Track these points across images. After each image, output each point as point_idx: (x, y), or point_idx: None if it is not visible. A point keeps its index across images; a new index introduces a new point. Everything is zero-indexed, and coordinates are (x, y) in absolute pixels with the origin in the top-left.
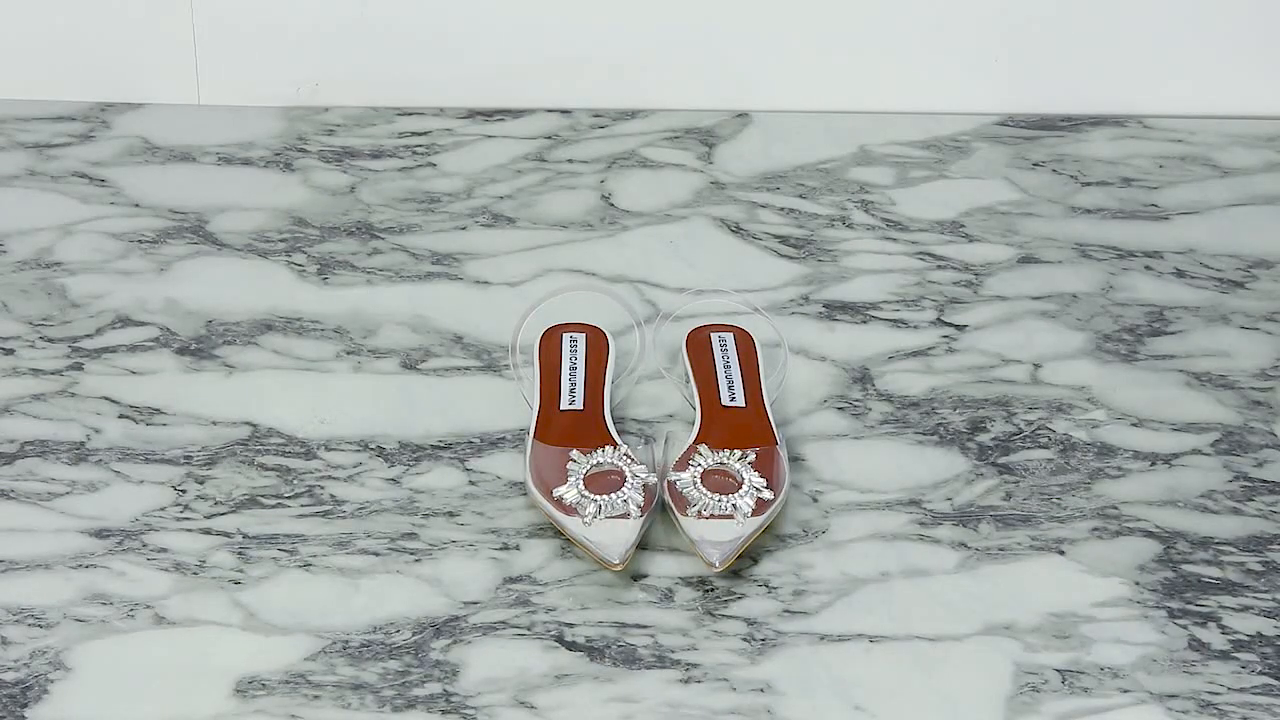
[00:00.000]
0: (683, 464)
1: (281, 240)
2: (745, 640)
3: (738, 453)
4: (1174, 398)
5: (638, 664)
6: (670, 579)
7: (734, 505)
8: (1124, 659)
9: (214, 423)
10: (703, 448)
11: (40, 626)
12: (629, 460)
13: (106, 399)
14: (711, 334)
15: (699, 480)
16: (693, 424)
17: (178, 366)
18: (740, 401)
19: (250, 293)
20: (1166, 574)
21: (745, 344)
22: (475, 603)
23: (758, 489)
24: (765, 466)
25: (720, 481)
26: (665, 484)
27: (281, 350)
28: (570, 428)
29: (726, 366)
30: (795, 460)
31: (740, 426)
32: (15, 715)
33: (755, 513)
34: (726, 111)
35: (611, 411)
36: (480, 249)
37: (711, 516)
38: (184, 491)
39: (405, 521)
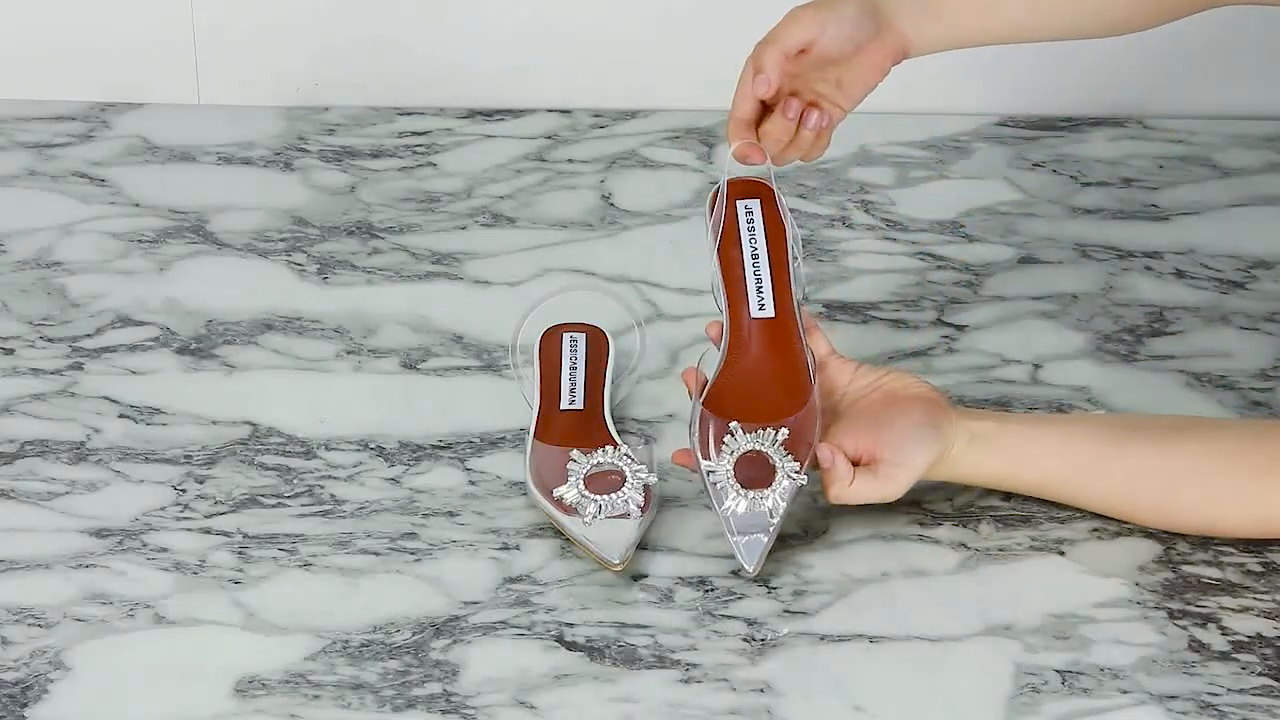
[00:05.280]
0: (716, 444)
1: (281, 240)
2: (745, 640)
3: (770, 433)
4: (1174, 398)
5: (638, 664)
6: (670, 579)
7: (767, 508)
8: (1124, 660)
9: (214, 422)
10: (736, 428)
11: (40, 626)
12: (629, 460)
13: (106, 399)
14: (739, 201)
15: (732, 473)
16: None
17: (178, 366)
18: (770, 311)
19: (250, 293)
20: (1166, 575)
21: (774, 220)
22: (475, 603)
23: (791, 474)
24: (798, 438)
25: (753, 467)
26: (700, 467)
27: (281, 350)
28: (570, 428)
29: (755, 258)
30: None
31: (772, 342)
32: (15, 715)
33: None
34: (726, 111)
35: (611, 411)
36: (480, 249)
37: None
38: (184, 491)
39: (405, 521)
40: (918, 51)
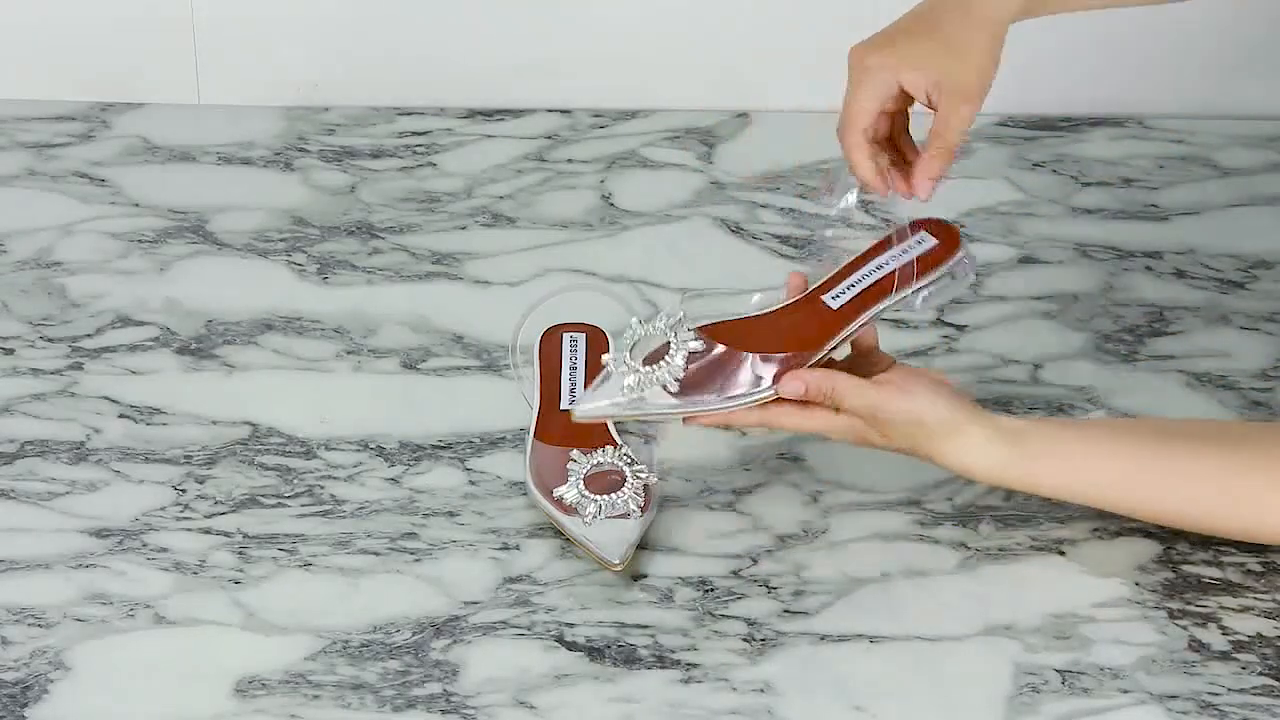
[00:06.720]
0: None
1: (281, 240)
2: (745, 640)
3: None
4: (1174, 398)
5: (638, 664)
6: (670, 579)
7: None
8: (1124, 659)
9: (214, 422)
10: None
11: (40, 626)
12: (629, 460)
13: (106, 399)
14: (924, 230)
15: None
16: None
17: (178, 366)
18: (837, 306)
19: (250, 293)
20: (1166, 574)
21: (929, 262)
22: (475, 603)
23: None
24: (787, 365)
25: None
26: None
27: (281, 350)
28: (570, 428)
29: (877, 269)
30: (795, 460)
31: (820, 321)
32: (15, 715)
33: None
34: (726, 111)
35: None
36: (480, 249)
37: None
38: (184, 491)
39: (405, 521)
40: None
